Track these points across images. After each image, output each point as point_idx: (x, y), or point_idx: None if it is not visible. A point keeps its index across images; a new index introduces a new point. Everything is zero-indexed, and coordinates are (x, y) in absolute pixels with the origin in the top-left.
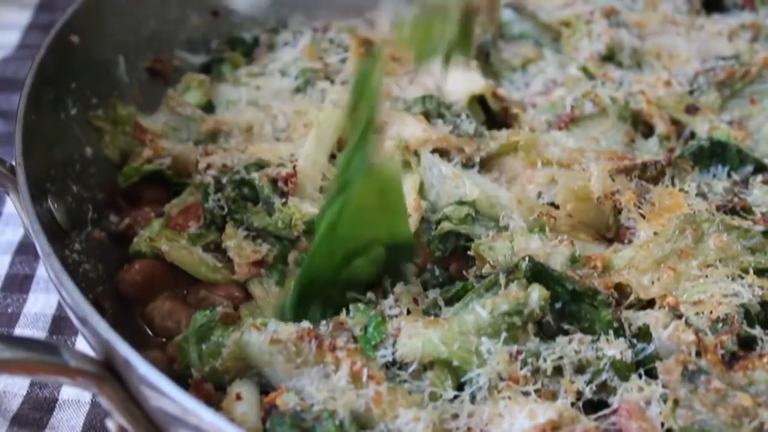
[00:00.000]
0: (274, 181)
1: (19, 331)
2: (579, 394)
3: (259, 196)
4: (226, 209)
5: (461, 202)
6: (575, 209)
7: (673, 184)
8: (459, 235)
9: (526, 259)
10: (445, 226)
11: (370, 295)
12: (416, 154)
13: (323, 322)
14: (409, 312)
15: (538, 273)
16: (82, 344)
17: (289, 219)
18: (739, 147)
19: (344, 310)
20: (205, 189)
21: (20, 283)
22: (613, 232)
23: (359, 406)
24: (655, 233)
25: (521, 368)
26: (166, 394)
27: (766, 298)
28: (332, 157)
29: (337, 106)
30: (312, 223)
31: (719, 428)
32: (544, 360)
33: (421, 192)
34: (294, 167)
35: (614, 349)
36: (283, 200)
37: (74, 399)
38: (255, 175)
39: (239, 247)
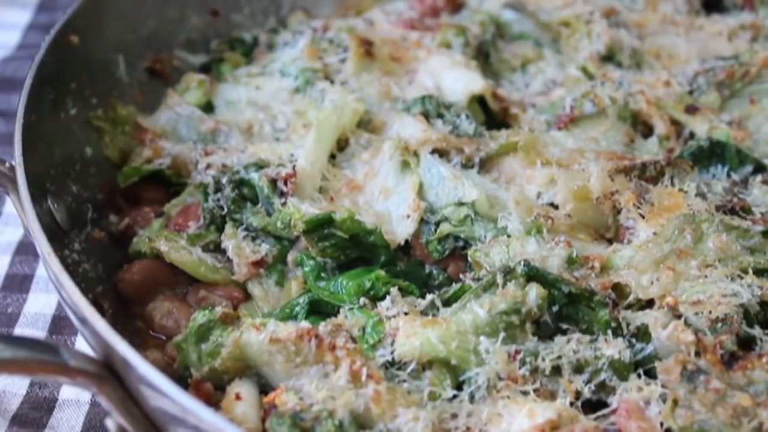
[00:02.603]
0: (273, 182)
1: (19, 331)
2: (578, 394)
3: (258, 196)
4: (226, 209)
5: (460, 203)
6: (574, 209)
7: (672, 184)
8: (458, 237)
9: (522, 263)
10: (445, 228)
11: (363, 300)
12: (416, 154)
13: (322, 323)
14: (407, 313)
15: (534, 277)
16: (82, 344)
17: (288, 219)
18: (738, 147)
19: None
20: (204, 189)
21: (20, 283)
22: (612, 232)
23: (358, 406)
24: (655, 233)
25: (520, 368)
26: (166, 394)
27: (765, 298)
28: (332, 157)
29: (337, 106)
30: (311, 222)
31: (718, 428)
32: (543, 359)
33: (420, 193)
34: (293, 167)
35: (612, 348)
36: (283, 200)
37: (74, 399)
38: (254, 175)
39: (238, 248)
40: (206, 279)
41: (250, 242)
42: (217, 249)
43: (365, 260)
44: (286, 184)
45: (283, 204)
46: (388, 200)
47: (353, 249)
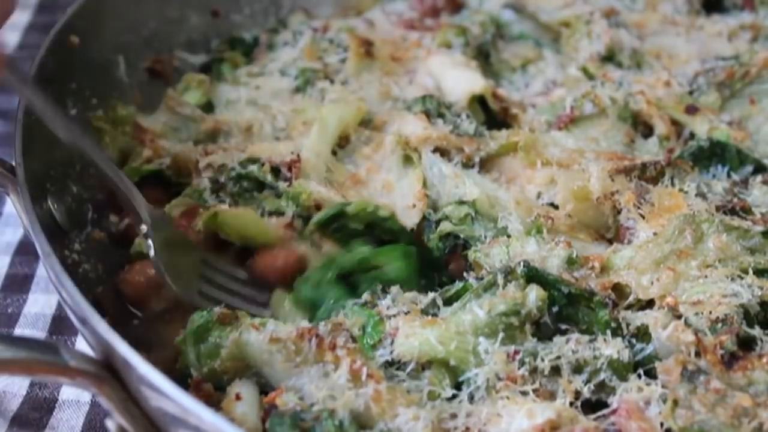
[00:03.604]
0: (275, 170)
1: (19, 331)
2: (577, 394)
3: (260, 187)
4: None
5: (461, 202)
6: (575, 210)
7: (672, 185)
8: (458, 236)
9: (521, 264)
10: (445, 227)
11: (366, 296)
12: (416, 151)
13: (322, 323)
14: (407, 312)
15: (533, 278)
16: (82, 344)
17: (297, 198)
18: (738, 147)
19: (341, 311)
20: (200, 194)
21: (20, 283)
22: (612, 233)
23: (359, 406)
24: (655, 233)
25: (519, 368)
26: (166, 395)
27: (765, 299)
28: (333, 153)
29: (342, 101)
30: (320, 222)
31: (719, 428)
32: (542, 360)
33: (423, 188)
34: (297, 155)
35: (611, 348)
36: (287, 184)
37: (74, 399)
38: (253, 167)
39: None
40: None
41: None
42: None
43: (385, 242)
44: (290, 170)
45: (289, 186)
46: (391, 194)
47: (370, 236)
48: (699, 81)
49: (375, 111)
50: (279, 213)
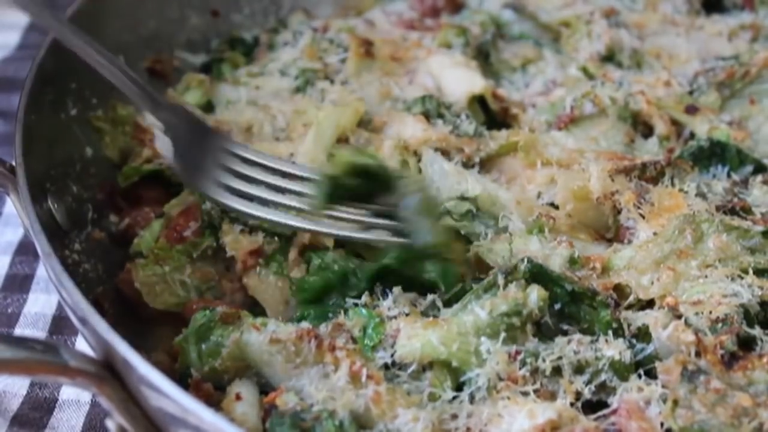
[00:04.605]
0: None
1: (19, 331)
2: (578, 395)
3: None
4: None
5: (463, 198)
6: (575, 209)
7: (672, 185)
8: (459, 231)
9: (525, 260)
10: (446, 222)
11: (365, 298)
12: (415, 153)
13: (323, 324)
14: (407, 314)
15: (537, 274)
16: (82, 344)
17: None
18: (738, 147)
19: (342, 312)
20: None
21: (20, 283)
22: (612, 233)
23: (359, 406)
24: (655, 233)
25: (520, 368)
26: (166, 394)
27: (765, 299)
28: (331, 156)
29: (337, 105)
30: None
31: (719, 428)
32: (543, 360)
33: None
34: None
35: (613, 349)
36: None
37: (74, 399)
38: None
39: (235, 241)
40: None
41: (248, 235)
42: (215, 255)
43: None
44: None
45: None
46: None
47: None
48: (699, 81)
49: (375, 111)
50: (261, 230)
